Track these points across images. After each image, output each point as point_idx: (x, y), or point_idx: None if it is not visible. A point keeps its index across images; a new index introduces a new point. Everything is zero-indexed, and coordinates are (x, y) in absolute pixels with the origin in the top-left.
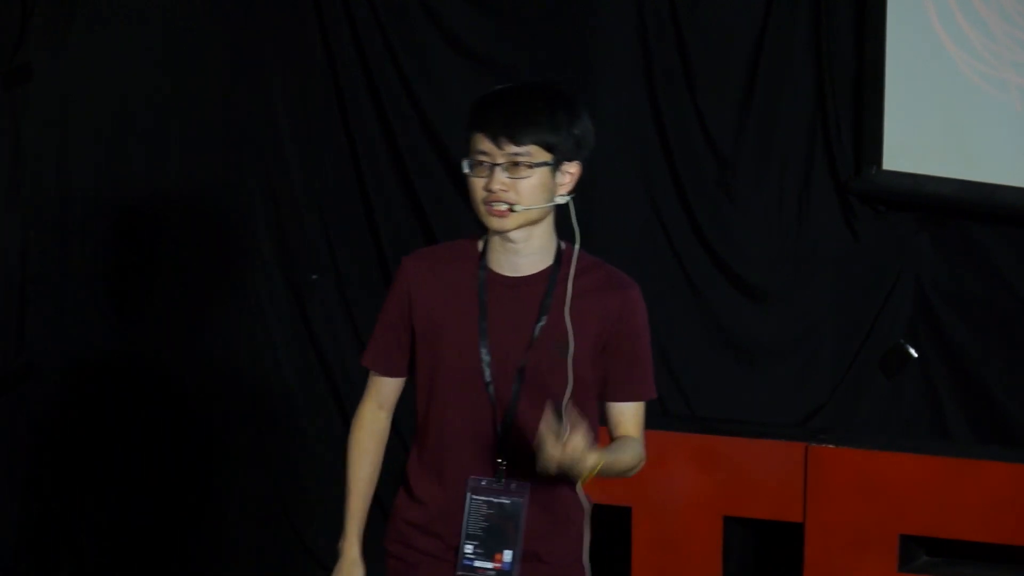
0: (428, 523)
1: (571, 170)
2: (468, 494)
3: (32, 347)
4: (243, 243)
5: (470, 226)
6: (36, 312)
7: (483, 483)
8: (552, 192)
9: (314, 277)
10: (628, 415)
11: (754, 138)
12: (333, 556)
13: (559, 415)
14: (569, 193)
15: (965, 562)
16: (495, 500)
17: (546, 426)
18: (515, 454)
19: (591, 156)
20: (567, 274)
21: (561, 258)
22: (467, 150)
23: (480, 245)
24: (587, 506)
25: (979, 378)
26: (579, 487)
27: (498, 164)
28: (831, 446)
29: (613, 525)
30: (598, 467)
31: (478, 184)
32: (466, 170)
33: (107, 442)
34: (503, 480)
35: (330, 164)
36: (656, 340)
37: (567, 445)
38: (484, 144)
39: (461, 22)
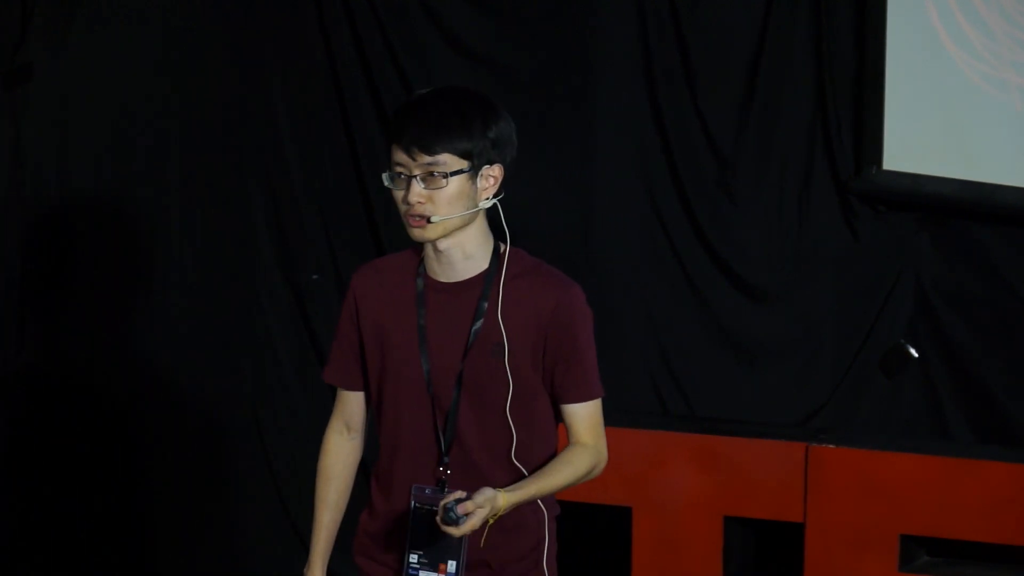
0: (385, 534)
1: (492, 173)
2: (412, 503)
3: (32, 347)
4: (243, 243)
5: None
6: (36, 312)
7: (427, 492)
8: (473, 198)
9: (314, 277)
10: (578, 417)
11: (754, 138)
12: (334, 556)
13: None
14: (495, 195)
15: (965, 562)
16: (435, 509)
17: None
18: (459, 462)
19: (516, 155)
20: (518, 277)
21: (499, 261)
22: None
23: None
24: (547, 511)
25: (979, 378)
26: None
27: (414, 176)
28: (831, 446)
29: (613, 525)
30: (502, 511)
31: (398, 196)
32: (386, 183)
33: (107, 442)
34: (446, 489)
35: (330, 164)
36: (656, 340)
37: (466, 525)
38: (399, 156)
39: (461, 22)
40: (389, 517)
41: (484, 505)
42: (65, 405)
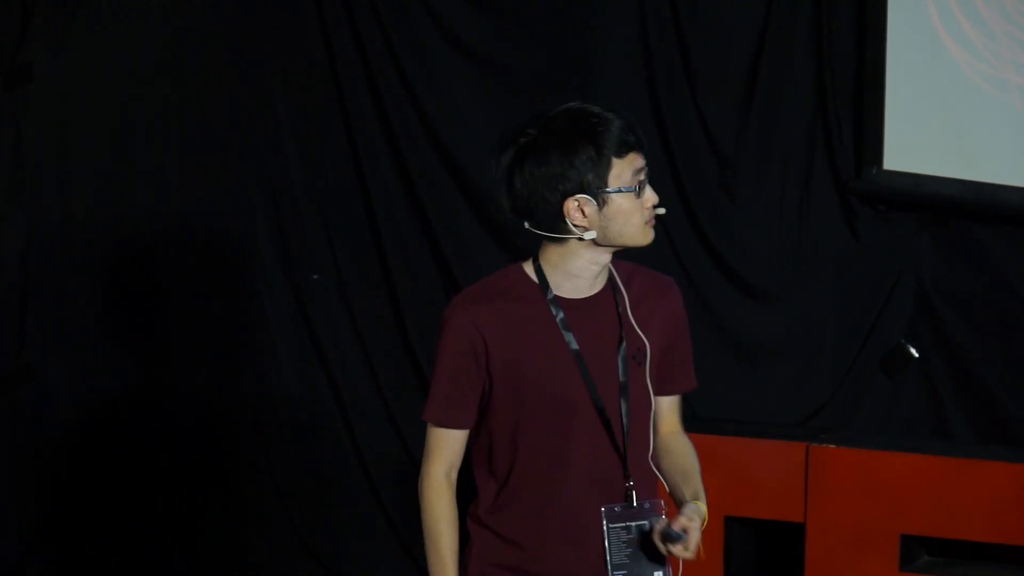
0: (522, 564)
1: None
2: (605, 524)
3: (33, 348)
4: (244, 243)
5: (469, 225)
6: (37, 313)
7: (616, 510)
8: None
9: (315, 277)
10: (675, 407)
11: (755, 138)
12: (334, 557)
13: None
14: None
15: (966, 562)
16: (633, 524)
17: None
18: (636, 473)
19: None
20: (627, 284)
21: (615, 272)
22: (579, 173)
23: (529, 272)
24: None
25: (980, 378)
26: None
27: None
28: (832, 446)
29: None
30: (706, 516)
31: (643, 202)
32: (632, 190)
33: (107, 444)
34: (636, 503)
35: (330, 164)
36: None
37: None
38: (639, 161)
39: (461, 22)
40: (534, 544)
41: (694, 518)
42: (64, 405)
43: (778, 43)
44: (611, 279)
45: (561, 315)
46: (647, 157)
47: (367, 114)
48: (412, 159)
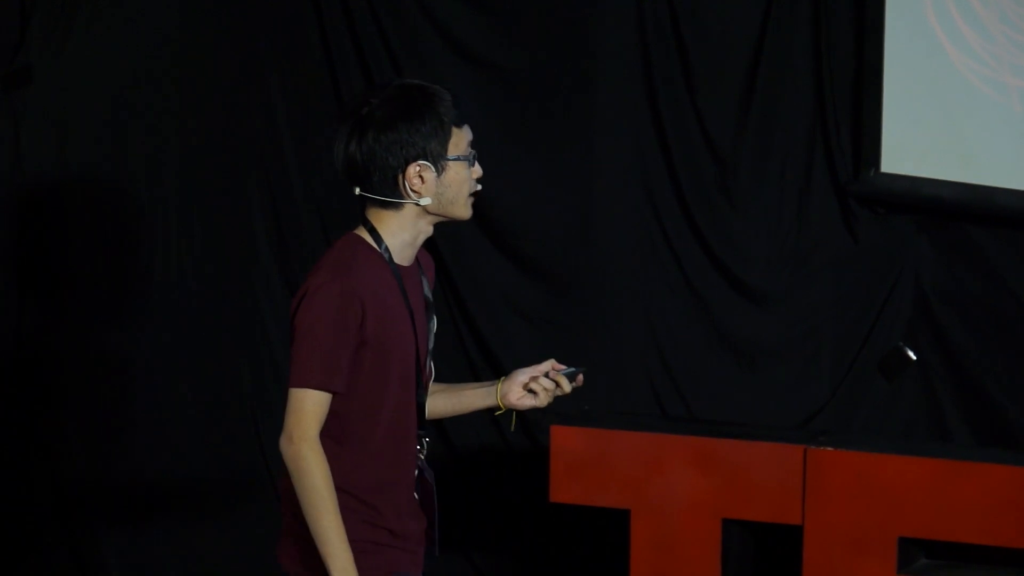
0: (384, 523)
1: None
2: (423, 473)
3: (30, 346)
4: (242, 244)
5: (467, 226)
6: (35, 311)
7: (422, 457)
8: None
9: None
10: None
11: (753, 140)
12: None
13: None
14: None
15: (964, 564)
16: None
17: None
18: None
19: None
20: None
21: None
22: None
23: (370, 241)
24: None
25: (978, 380)
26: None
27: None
28: (830, 448)
29: (612, 527)
30: None
31: (473, 173)
32: (471, 163)
33: (105, 441)
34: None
35: (328, 164)
36: (655, 341)
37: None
38: (470, 134)
39: (460, 22)
40: (393, 499)
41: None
42: (62, 403)
43: (776, 45)
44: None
45: (399, 280)
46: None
47: None
48: None
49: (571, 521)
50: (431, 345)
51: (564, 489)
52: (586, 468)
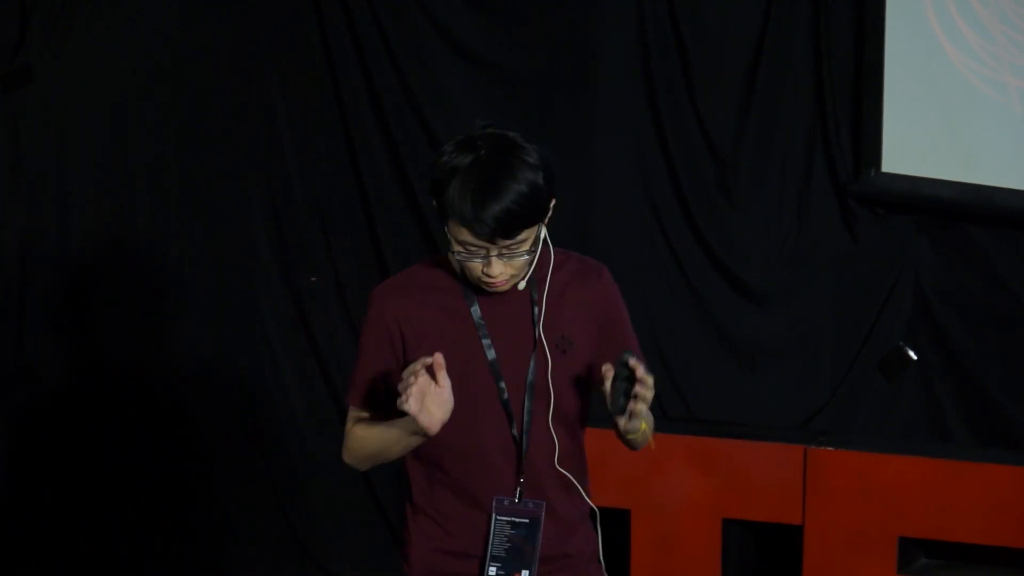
0: (456, 546)
1: (552, 204)
2: (494, 515)
3: (31, 350)
4: (242, 245)
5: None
6: (35, 315)
7: (506, 503)
8: (540, 235)
9: (312, 279)
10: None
11: (753, 141)
12: (331, 556)
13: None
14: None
15: (964, 564)
16: (517, 520)
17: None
18: (532, 470)
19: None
20: (557, 269)
21: (543, 261)
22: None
23: (452, 262)
24: (593, 509)
25: (978, 380)
26: (585, 492)
27: (492, 255)
28: (830, 448)
29: (612, 527)
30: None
31: (471, 267)
32: (458, 258)
33: (105, 445)
34: (523, 499)
35: (328, 166)
36: (655, 342)
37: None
38: (474, 239)
39: (460, 23)
40: (465, 527)
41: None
42: (62, 407)
43: (777, 46)
44: (535, 268)
45: (476, 307)
46: (492, 241)
47: (365, 115)
48: (410, 160)
49: None
50: (530, 379)
51: None
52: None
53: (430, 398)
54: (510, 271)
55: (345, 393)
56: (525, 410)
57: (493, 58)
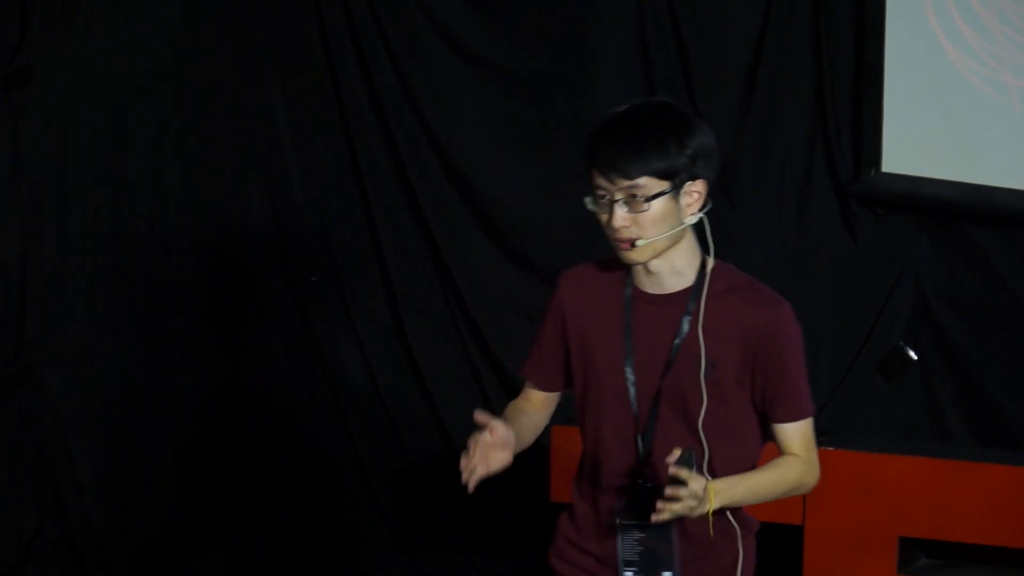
0: (581, 541)
1: (696, 189)
2: (618, 520)
3: (31, 350)
4: (242, 245)
5: (467, 226)
6: (35, 315)
7: (628, 508)
8: (678, 216)
9: (313, 279)
10: (787, 435)
11: (753, 141)
12: (331, 555)
13: (685, 460)
14: (700, 210)
15: (965, 564)
16: (644, 523)
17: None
18: (656, 476)
19: (719, 166)
20: (725, 293)
21: (703, 276)
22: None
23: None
24: (740, 527)
25: (979, 380)
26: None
27: (616, 200)
28: (831, 448)
29: None
30: (712, 506)
31: (602, 220)
32: (589, 206)
33: (105, 445)
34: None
35: (329, 166)
36: None
37: (684, 495)
38: (599, 180)
39: (461, 23)
40: (587, 522)
41: (701, 490)
42: (63, 408)
43: (776, 46)
44: (699, 285)
45: (627, 303)
46: (611, 181)
47: (365, 115)
48: (411, 161)
49: None
50: (659, 387)
51: (565, 488)
52: None
53: (491, 449)
54: (634, 228)
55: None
56: (650, 414)
57: (493, 58)
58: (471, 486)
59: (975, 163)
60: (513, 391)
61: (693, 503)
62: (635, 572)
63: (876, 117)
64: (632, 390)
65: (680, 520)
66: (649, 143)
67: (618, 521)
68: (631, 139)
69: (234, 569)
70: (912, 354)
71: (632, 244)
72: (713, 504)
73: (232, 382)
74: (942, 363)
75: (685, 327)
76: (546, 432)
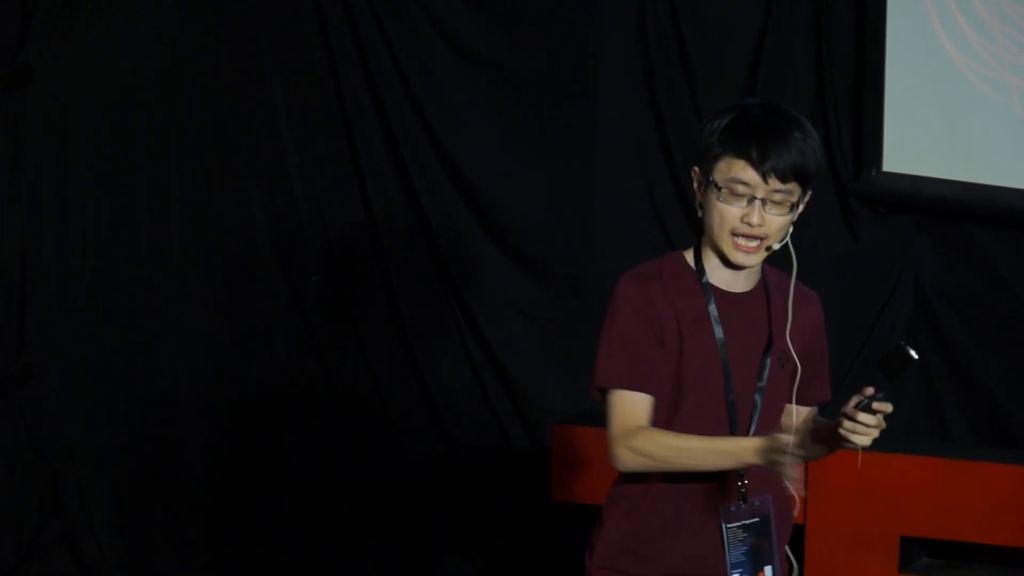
0: (661, 548)
1: (806, 200)
2: (723, 524)
3: (32, 349)
4: (243, 245)
5: (468, 225)
6: (36, 314)
7: (732, 509)
8: (792, 223)
9: (314, 279)
10: (803, 416)
11: None
12: (332, 554)
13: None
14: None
15: (965, 564)
16: (745, 523)
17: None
18: (753, 472)
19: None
20: (775, 291)
21: (763, 273)
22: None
23: (688, 258)
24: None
25: (979, 380)
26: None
27: (758, 197)
28: None
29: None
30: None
31: (731, 213)
32: (720, 202)
33: (106, 445)
34: (746, 501)
35: (330, 165)
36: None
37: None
38: (747, 174)
39: (461, 23)
40: (664, 525)
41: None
42: (64, 408)
43: (777, 44)
44: (763, 281)
45: (713, 304)
46: (764, 179)
47: (366, 115)
48: (411, 161)
49: (573, 520)
50: (761, 384)
51: (566, 488)
52: (587, 467)
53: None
54: (766, 229)
55: (597, 377)
56: (754, 412)
57: (494, 58)
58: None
59: (976, 163)
60: (514, 390)
61: (876, 433)
62: (740, 573)
63: (877, 116)
64: (728, 391)
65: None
66: (808, 151)
67: (724, 525)
68: (792, 143)
69: (233, 569)
70: (913, 353)
71: (760, 245)
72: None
73: (232, 382)
74: (943, 363)
75: (770, 326)
76: (546, 431)
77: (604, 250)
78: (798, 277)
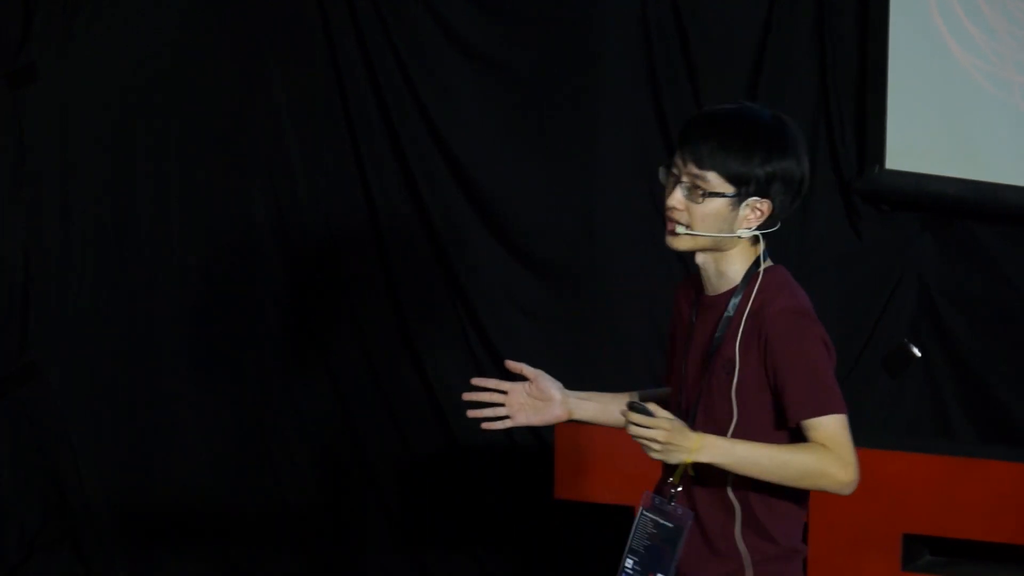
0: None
1: (759, 207)
2: (640, 508)
3: (34, 348)
4: (244, 244)
5: (471, 224)
6: (39, 312)
7: (656, 501)
8: (731, 224)
9: (318, 277)
10: (812, 436)
11: None
12: (334, 554)
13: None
14: (758, 228)
15: (968, 561)
16: (660, 521)
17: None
18: (687, 479)
19: (796, 197)
20: (746, 297)
21: (750, 282)
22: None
23: None
24: (751, 551)
25: (982, 377)
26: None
27: (681, 182)
28: None
29: (614, 525)
30: (692, 456)
31: (666, 196)
32: (660, 178)
33: (108, 443)
34: (672, 503)
35: (332, 164)
36: (658, 340)
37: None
38: (677, 157)
39: (464, 21)
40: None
41: (671, 427)
42: (64, 404)
43: (780, 42)
44: (740, 289)
45: (694, 303)
46: (684, 162)
47: (370, 113)
48: (414, 159)
49: (576, 518)
50: (698, 394)
51: (569, 486)
52: (591, 465)
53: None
54: (684, 215)
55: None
56: (691, 416)
57: (497, 56)
58: (495, 425)
59: (979, 160)
60: None
61: (663, 435)
62: (635, 562)
63: (880, 114)
64: (680, 389)
65: (700, 520)
66: (735, 144)
67: (642, 510)
68: (720, 133)
69: (234, 567)
70: (916, 351)
71: (675, 229)
72: (696, 455)
73: (235, 380)
74: (946, 360)
75: (720, 329)
76: (550, 429)
77: (606, 247)
78: (763, 283)
